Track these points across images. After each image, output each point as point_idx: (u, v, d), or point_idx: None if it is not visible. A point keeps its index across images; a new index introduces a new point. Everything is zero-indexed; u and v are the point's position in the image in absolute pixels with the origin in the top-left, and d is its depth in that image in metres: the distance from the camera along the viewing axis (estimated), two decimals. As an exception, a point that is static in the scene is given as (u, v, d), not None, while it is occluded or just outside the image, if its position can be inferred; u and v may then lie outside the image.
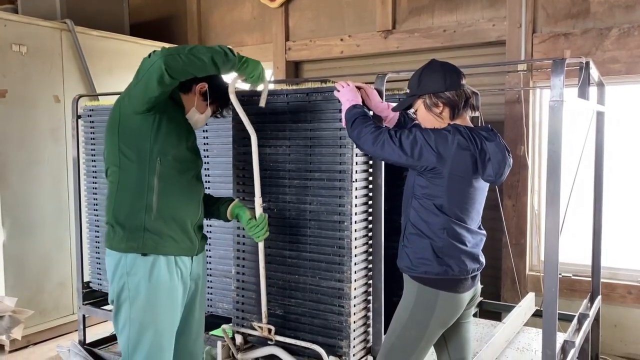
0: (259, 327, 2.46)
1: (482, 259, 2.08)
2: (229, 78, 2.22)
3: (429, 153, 1.90)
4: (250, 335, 2.59)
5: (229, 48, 2.01)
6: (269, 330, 2.44)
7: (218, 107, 2.30)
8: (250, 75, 2.08)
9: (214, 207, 2.36)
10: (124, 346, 2.07)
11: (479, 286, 2.13)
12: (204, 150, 2.96)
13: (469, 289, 2.04)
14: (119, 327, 2.09)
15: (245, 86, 2.22)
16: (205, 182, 2.98)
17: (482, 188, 2.03)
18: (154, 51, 1.94)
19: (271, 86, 2.86)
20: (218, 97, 2.24)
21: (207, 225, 3.03)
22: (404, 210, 2.09)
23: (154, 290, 2.03)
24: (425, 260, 1.98)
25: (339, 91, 2.22)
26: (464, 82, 2.00)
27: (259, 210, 2.24)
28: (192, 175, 2.18)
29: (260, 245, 2.33)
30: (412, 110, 2.14)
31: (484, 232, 2.11)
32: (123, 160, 2.04)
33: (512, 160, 2.03)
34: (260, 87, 2.19)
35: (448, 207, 1.96)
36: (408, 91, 2.08)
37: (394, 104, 2.32)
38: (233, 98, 2.17)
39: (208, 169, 3.00)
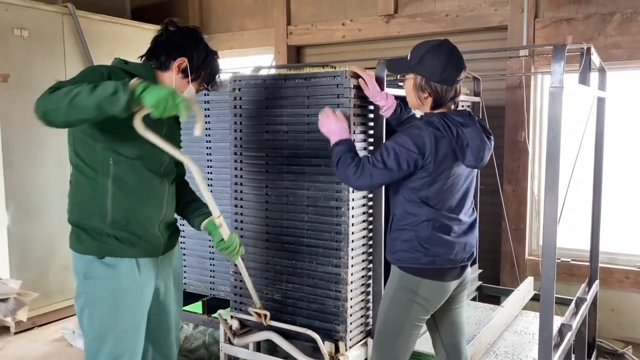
0: (255, 312, 2.48)
1: (472, 246, 2.08)
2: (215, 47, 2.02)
3: (413, 156, 1.91)
4: (247, 320, 2.62)
5: (122, 83, 1.59)
6: (265, 316, 2.46)
7: (203, 83, 2.03)
8: (156, 107, 1.59)
9: (192, 215, 2.18)
10: (87, 348, 1.97)
11: (468, 272, 2.14)
12: (206, 135, 2.98)
13: (456, 278, 2.05)
14: (83, 329, 1.98)
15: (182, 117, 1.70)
16: (207, 167, 3.00)
17: (464, 175, 2.03)
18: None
19: (272, 71, 2.83)
20: (201, 72, 1.98)
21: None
22: (390, 202, 2.10)
23: (113, 295, 1.91)
24: (411, 251, 1.99)
25: (324, 120, 2.14)
26: (461, 77, 1.98)
27: (226, 231, 2.08)
28: (155, 173, 1.97)
29: (238, 261, 2.25)
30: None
31: (474, 216, 2.11)
32: (78, 162, 1.89)
33: (493, 143, 2.04)
34: (183, 117, 1.68)
35: (432, 199, 1.97)
36: (409, 56, 2.03)
37: (393, 93, 2.32)
38: (141, 130, 1.72)
39: (210, 154, 3.02)
